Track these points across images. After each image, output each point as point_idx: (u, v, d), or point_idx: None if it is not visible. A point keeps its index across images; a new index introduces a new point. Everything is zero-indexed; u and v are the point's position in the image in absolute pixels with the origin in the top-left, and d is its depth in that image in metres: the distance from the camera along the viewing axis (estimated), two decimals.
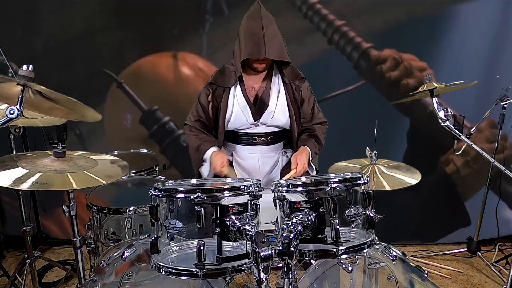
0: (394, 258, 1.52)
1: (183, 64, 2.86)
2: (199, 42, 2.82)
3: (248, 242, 1.21)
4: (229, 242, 1.29)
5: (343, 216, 1.32)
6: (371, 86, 2.84)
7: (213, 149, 2.11)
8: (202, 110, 2.18)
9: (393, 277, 1.58)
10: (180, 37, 2.82)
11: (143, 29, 2.82)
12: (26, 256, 2.13)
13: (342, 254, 1.30)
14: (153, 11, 2.77)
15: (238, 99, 2.12)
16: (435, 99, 1.82)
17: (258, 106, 2.14)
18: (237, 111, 2.13)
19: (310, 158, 2.11)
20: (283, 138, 2.27)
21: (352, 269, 1.34)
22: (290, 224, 1.29)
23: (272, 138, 2.20)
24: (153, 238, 1.31)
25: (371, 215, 1.37)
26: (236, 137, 2.21)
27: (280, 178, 2.16)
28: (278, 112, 2.13)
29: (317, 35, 2.77)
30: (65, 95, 1.38)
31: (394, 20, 2.76)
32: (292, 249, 1.20)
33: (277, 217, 1.42)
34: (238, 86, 2.13)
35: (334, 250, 1.29)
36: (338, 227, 1.27)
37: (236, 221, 1.24)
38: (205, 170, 2.15)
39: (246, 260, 1.26)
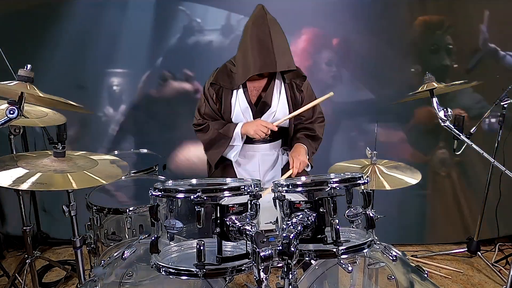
0: (394, 258, 1.52)
1: None
2: None
3: (248, 242, 1.21)
4: (229, 242, 1.29)
5: (343, 216, 1.32)
6: None
7: (241, 123, 2.09)
8: (211, 108, 2.15)
9: (393, 277, 1.58)
10: None
11: None
12: (26, 256, 2.12)
13: (342, 254, 1.30)
14: None
15: (240, 101, 2.12)
16: (435, 99, 1.82)
17: (260, 106, 2.14)
18: (238, 112, 2.13)
19: (307, 157, 2.11)
20: (281, 136, 2.27)
21: (352, 269, 1.34)
22: (290, 224, 1.29)
23: (271, 136, 2.19)
24: (153, 238, 1.31)
25: (371, 215, 1.37)
26: None
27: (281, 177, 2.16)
28: (279, 112, 2.13)
29: None
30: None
31: None
32: (292, 249, 1.19)
33: (277, 217, 1.42)
34: (241, 88, 2.12)
35: (334, 250, 1.29)
36: (338, 227, 1.27)
37: (236, 221, 1.23)
38: (235, 149, 2.12)
39: (246, 260, 1.26)
